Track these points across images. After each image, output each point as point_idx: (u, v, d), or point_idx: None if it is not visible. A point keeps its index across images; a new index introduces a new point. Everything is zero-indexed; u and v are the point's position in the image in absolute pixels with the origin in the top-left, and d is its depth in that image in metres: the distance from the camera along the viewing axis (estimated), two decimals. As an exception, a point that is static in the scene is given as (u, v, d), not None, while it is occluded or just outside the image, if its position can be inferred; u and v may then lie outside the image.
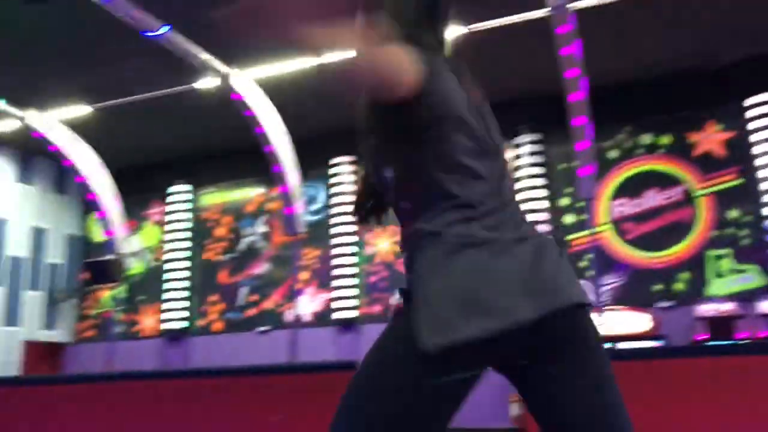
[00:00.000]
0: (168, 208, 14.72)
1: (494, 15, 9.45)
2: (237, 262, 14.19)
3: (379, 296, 12.95)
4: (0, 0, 8.72)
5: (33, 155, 14.46)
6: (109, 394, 10.27)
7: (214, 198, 14.70)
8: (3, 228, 13.91)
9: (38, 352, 14.30)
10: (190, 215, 14.68)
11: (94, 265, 12.85)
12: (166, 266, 14.42)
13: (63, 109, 12.05)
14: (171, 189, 14.68)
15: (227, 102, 10.91)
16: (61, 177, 15.14)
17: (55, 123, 12.30)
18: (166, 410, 9.60)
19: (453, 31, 9.72)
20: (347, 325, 12.94)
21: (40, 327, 14.45)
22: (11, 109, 11.54)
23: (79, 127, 12.54)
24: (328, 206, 13.53)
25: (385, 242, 13.06)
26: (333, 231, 13.17)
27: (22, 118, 11.83)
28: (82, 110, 12.05)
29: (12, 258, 13.99)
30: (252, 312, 13.78)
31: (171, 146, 14.09)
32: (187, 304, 14.28)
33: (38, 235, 14.64)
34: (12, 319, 13.83)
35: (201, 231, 14.61)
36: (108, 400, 10.14)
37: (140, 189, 14.84)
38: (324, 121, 12.85)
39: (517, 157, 12.09)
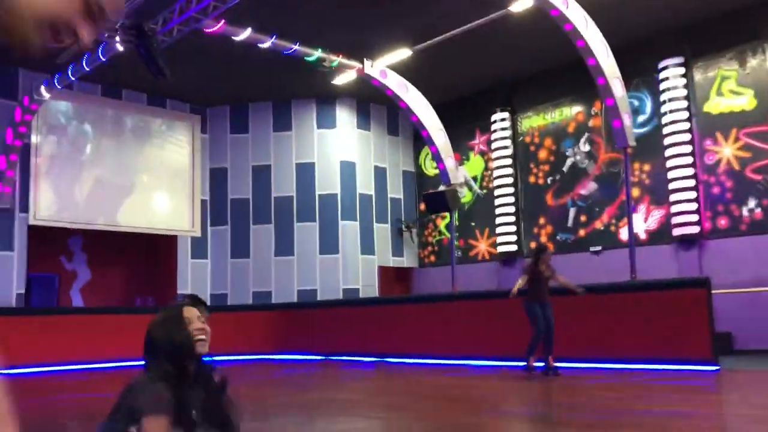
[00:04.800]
0: (491, 137, 15.17)
1: None
2: (562, 184, 14.10)
3: (725, 208, 11.75)
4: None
5: (367, 102, 16.06)
6: (452, 310, 11.23)
7: (535, 121, 14.70)
8: (353, 170, 15.83)
9: (391, 276, 16.19)
10: (511, 141, 14.93)
11: (431, 196, 13.91)
12: (495, 192, 14.97)
13: (388, 55, 13.03)
14: (492, 117, 15.05)
15: (543, 21, 10.68)
16: (392, 119, 16.64)
17: (386, 70, 13.38)
18: (500, 325, 10.17)
19: None
20: (689, 241, 12.05)
21: (390, 254, 16.31)
22: (349, 62, 12.84)
23: (403, 69, 13.49)
24: (657, 115, 12.58)
25: (728, 149, 11.73)
26: (666, 142, 12.22)
27: (359, 69, 13.10)
28: (403, 54, 12.87)
29: (361, 195, 15.89)
30: (583, 233, 13.65)
31: (489, 75, 14.42)
32: (516, 228, 14.72)
33: (379, 173, 16.36)
34: (368, 248, 15.81)
35: (524, 156, 14.80)
36: (450, 315, 11.10)
37: (462, 121, 15.53)
38: (648, 21, 11.88)
39: None
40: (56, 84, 12.62)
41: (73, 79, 12.45)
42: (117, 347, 10.90)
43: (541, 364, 8.45)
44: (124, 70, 12.69)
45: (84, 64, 11.80)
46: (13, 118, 12.89)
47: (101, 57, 11.34)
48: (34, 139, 13.54)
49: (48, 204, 13.66)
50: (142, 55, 9.93)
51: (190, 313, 2.41)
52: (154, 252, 15.94)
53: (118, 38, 10.70)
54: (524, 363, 8.55)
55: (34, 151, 13.57)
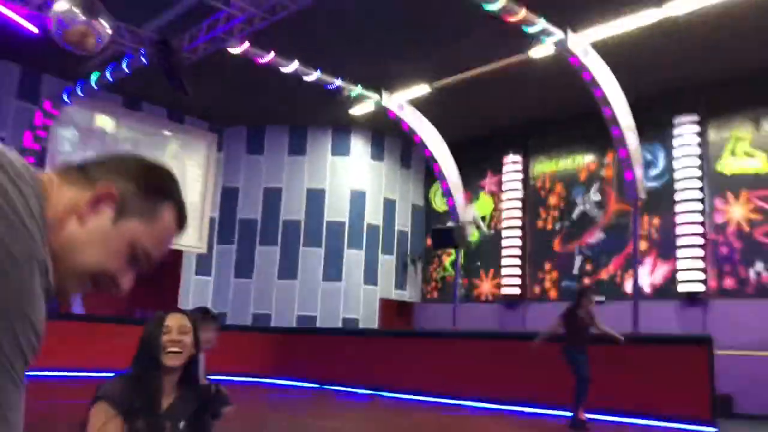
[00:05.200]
0: (502, 178, 15.21)
1: None
2: (570, 231, 14.09)
3: (732, 269, 11.69)
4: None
5: (382, 134, 16.18)
6: (451, 348, 11.14)
7: (547, 166, 14.75)
8: (363, 199, 15.89)
9: (392, 309, 16.11)
10: (521, 185, 14.97)
11: (438, 232, 13.92)
12: (502, 234, 14.96)
13: (407, 90, 13.17)
14: (505, 159, 15.11)
15: (562, 68, 10.79)
16: (406, 152, 16.75)
17: (404, 103, 13.52)
18: (500, 367, 10.07)
19: None
20: (693, 299, 11.96)
21: (393, 286, 16.26)
22: (367, 92, 12.99)
23: (420, 105, 13.63)
24: (669, 170, 12.61)
25: (738, 209, 11.71)
26: (677, 197, 12.22)
27: (377, 102, 13.24)
28: (422, 89, 13.00)
29: (369, 225, 15.91)
30: (588, 281, 13.57)
31: (504, 117, 14.52)
32: (521, 271, 14.66)
33: (389, 205, 16.40)
34: (371, 278, 15.77)
35: (534, 200, 14.82)
36: (451, 354, 11.00)
37: (475, 160, 15.60)
38: (665, 78, 11.98)
39: None
40: (78, 92, 12.80)
41: (95, 88, 12.63)
42: (115, 356, 10.84)
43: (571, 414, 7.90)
44: (147, 83, 12.85)
45: (108, 74, 11.98)
46: (33, 121, 13.05)
47: (125, 69, 11.52)
48: (51, 144, 13.67)
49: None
50: (166, 70, 10.08)
51: (173, 321, 2.27)
52: (158, 265, 15.89)
53: (143, 51, 10.90)
54: (571, 415, 7.86)
55: (51, 157, 13.69)
